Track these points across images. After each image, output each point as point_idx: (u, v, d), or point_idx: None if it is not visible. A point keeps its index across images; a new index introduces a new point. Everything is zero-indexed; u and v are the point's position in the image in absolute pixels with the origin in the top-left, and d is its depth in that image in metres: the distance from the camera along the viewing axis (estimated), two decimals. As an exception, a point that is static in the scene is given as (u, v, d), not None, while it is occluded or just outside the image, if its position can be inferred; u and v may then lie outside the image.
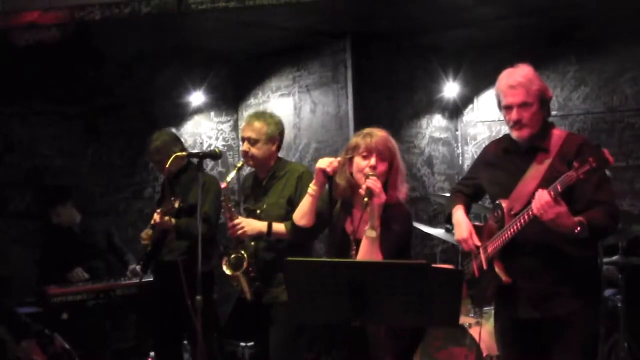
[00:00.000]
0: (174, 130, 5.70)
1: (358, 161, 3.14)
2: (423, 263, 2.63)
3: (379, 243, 3.05)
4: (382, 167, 3.12)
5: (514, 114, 2.98)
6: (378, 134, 3.17)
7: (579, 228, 2.76)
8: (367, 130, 3.20)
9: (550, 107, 3.08)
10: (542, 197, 2.73)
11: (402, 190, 3.19)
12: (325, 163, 3.22)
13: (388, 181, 3.15)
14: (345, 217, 3.27)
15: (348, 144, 3.24)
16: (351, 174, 3.17)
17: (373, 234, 3.02)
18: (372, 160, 3.10)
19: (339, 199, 3.28)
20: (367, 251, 3.05)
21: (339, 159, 3.24)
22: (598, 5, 5.04)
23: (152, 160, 4.60)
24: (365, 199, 3.00)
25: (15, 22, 4.94)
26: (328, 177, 3.22)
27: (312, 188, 3.29)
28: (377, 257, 3.04)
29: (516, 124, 2.99)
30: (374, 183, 3.03)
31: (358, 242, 3.15)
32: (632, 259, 4.56)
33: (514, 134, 3.04)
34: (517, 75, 2.99)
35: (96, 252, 5.54)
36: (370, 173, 3.08)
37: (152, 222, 4.43)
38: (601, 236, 3.00)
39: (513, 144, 3.10)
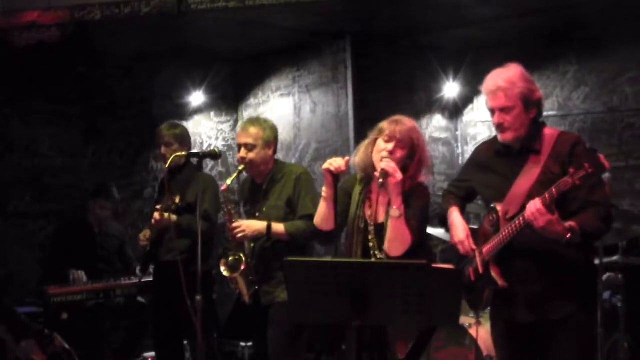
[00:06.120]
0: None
1: (379, 143, 3.28)
2: (423, 263, 2.63)
3: (405, 220, 3.18)
4: (399, 154, 3.25)
5: (495, 118, 3.01)
6: (405, 123, 3.31)
7: (569, 235, 2.76)
8: (396, 117, 3.35)
9: (542, 107, 3.06)
10: (534, 205, 2.74)
11: (422, 180, 3.36)
12: (329, 162, 3.26)
13: (408, 170, 3.27)
14: (363, 204, 3.36)
15: (377, 126, 3.37)
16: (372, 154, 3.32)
17: (396, 212, 3.18)
18: (390, 146, 3.24)
19: (361, 173, 3.39)
20: (394, 230, 3.19)
21: (347, 158, 3.30)
22: (598, 6, 5.04)
23: (165, 142, 4.55)
24: (380, 180, 3.17)
25: (15, 22, 4.94)
26: (335, 177, 3.27)
27: (324, 191, 3.33)
28: (405, 234, 3.18)
29: (499, 128, 3.02)
30: (388, 164, 3.18)
31: (376, 226, 3.29)
32: (632, 259, 4.55)
33: (499, 137, 3.06)
34: (499, 79, 2.99)
35: (105, 257, 5.55)
36: (385, 155, 3.22)
37: (152, 221, 4.43)
38: (594, 240, 3.00)
39: (504, 147, 3.08)
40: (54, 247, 5.56)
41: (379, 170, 3.20)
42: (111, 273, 5.47)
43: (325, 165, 3.25)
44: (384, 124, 3.31)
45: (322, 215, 3.38)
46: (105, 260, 5.53)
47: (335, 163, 3.24)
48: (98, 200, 5.48)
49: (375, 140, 3.31)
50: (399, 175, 3.17)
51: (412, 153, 3.27)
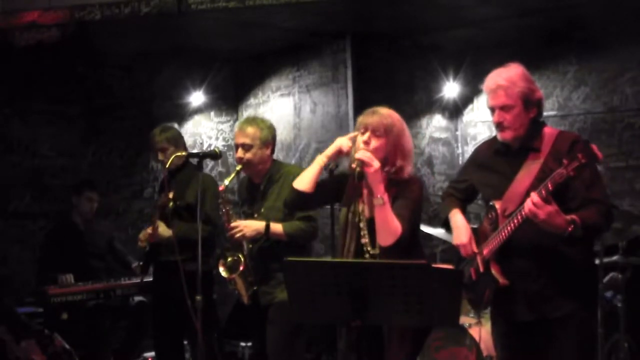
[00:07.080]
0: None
1: (358, 138, 3.24)
2: (423, 263, 2.63)
3: (389, 208, 3.10)
4: (376, 143, 3.19)
5: (495, 117, 3.01)
6: (379, 112, 3.27)
7: (571, 227, 2.76)
8: (372, 108, 3.31)
9: (542, 107, 3.06)
10: (532, 199, 2.74)
11: (406, 170, 3.22)
12: (344, 142, 3.24)
13: (388, 158, 3.21)
14: (357, 200, 3.31)
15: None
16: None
17: (380, 201, 3.09)
18: (365, 136, 3.19)
19: (350, 174, 3.29)
20: (380, 219, 3.11)
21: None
22: (598, 6, 5.04)
23: (159, 148, 4.54)
24: (358, 169, 3.10)
25: (15, 22, 4.94)
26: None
27: (321, 158, 3.29)
28: (393, 222, 3.09)
29: (498, 126, 3.02)
30: (364, 153, 3.12)
31: (368, 221, 3.22)
32: (632, 259, 4.55)
33: (498, 136, 3.06)
34: (500, 78, 2.99)
35: (96, 254, 5.55)
36: (362, 146, 3.18)
37: (149, 237, 4.43)
38: (595, 235, 2.99)
39: (504, 146, 3.08)
40: (43, 251, 5.51)
41: (355, 160, 3.14)
42: (105, 270, 5.48)
43: (340, 144, 3.23)
44: (359, 118, 3.30)
45: (305, 176, 3.32)
46: (97, 257, 5.52)
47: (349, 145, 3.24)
48: (84, 192, 5.46)
49: (356, 137, 3.26)
50: (375, 164, 3.09)
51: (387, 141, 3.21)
